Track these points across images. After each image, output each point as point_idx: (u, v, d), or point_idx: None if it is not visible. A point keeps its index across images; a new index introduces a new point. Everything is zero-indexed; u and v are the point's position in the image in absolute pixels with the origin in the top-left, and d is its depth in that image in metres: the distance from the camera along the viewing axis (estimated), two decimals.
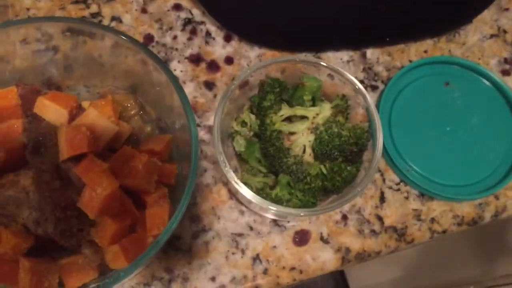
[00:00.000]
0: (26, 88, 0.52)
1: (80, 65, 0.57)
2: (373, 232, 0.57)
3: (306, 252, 0.55)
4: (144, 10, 0.64)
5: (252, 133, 0.54)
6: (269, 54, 0.64)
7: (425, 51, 0.66)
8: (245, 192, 0.48)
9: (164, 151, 0.53)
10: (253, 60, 0.63)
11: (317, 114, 0.52)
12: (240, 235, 0.56)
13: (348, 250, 0.56)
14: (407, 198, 0.59)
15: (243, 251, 0.55)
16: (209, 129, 0.60)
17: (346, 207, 0.57)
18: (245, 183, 0.49)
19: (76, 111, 0.51)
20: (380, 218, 0.58)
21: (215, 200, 0.57)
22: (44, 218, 0.44)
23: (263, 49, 0.64)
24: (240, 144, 0.53)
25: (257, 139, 0.54)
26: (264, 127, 0.51)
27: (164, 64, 0.50)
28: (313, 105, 0.55)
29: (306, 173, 0.50)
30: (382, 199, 0.58)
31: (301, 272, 0.55)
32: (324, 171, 0.51)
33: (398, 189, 0.59)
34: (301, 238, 0.56)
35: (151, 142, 0.53)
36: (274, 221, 0.56)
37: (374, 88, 0.63)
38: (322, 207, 0.50)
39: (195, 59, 0.62)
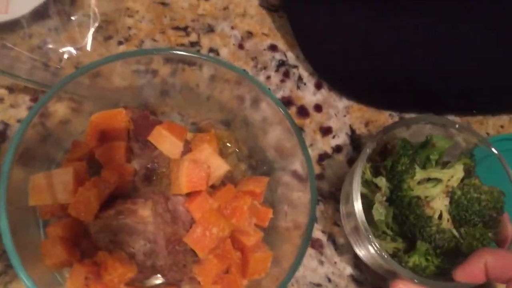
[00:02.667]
0: (136, 112, 0.52)
1: (176, 92, 0.57)
2: None
3: None
4: (241, 46, 0.65)
5: (384, 198, 0.52)
6: (356, 107, 0.65)
7: (502, 126, 0.68)
8: (382, 257, 0.47)
9: (262, 193, 0.53)
10: (341, 111, 0.64)
11: (452, 177, 0.51)
12: (318, 285, 0.56)
13: None
14: None
15: None
16: (293, 173, 0.60)
17: None
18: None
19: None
20: None
21: (291, 245, 0.57)
22: (157, 251, 0.44)
23: (351, 101, 0.65)
24: (380, 212, 0.51)
25: (388, 204, 0.52)
26: (401, 193, 0.50)
27: (282, 105, 0.50)
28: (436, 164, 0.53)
29: (448, 240, 0.49)
30: None
31: None
32: (457, 235, 0.49)
33: None
34: None
35: (251, 183, 0.53)
36: (352, 276, 0.57)
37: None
38: None
39: (286, 102, 0.63)
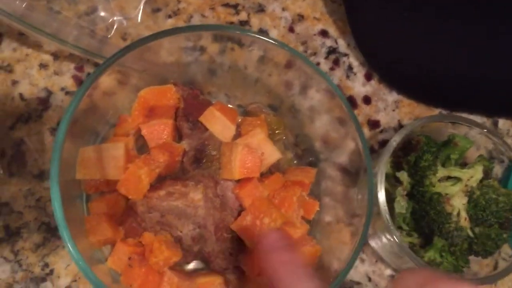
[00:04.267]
0: (186, 91, 0.50)
1: (224, 72, 0.55)
2: None
3: None
4: (291, 29, 0.62)
5: (405, 192, 0.52)
6: (406, 102, 0.62)
7: None
8: (402, 248, 0.46)
9: (310, 185, 0.51)
10: (390, 104, 0.62)
11: (472, 177, 0.51)
12: (358, 283, 0.54)
13: None
14: None
15: None
16: (340, 165, 0.58)
17: None
18: None
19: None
20: None
21: (335, 240, 0.55)
22: (205, 237, 0.42)
23: (401, 95, 0.62)
24: (401, 205, 0.51)
25: (407, 198, 0.52)
26: (423, 188, 0.50)
27: (338, 89, 0.48)
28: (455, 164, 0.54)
29: (463, 238, 0.49)
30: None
31: None
32: (471, 234, 0.50)
33: None
34: None
35: (299, 173, 0.51)
36: (392, 276, 0.55)
37: (500, 161, 0.63)
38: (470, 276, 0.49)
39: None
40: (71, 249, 0.36)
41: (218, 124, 0.47)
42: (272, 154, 0.47)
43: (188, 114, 0.48)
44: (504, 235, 0.50)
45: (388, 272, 0.55)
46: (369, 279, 0.55)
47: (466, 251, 0.51)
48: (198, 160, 0.46)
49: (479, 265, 0.53)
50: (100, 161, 0.42)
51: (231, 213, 0.45)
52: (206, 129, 0.47)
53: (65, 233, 0.36)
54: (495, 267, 0.52)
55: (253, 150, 0.44)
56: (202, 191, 0.42)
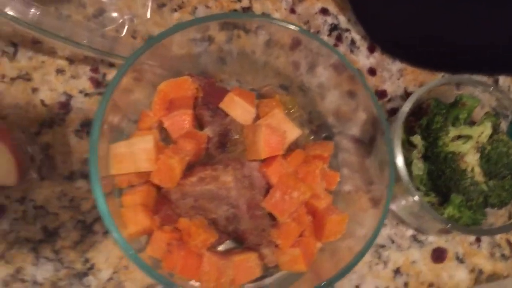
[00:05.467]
0: (202, 80, 0.52)
1: (233, 59, 0.57)
2: (503, 256, 0.59)
3: (442, 269, 0.57)
4: (292, 10, 0.64)
5: (420, 155, 0.55)
6: (410, 70, 0.64)
7: None
8: (423, 206, 0.49)
9: (329, 157, 0.53)
10: (395, 74, 0.64)
11: (482, 133, 0.54)
12: (382, 246, 0.57)
13: (480, 271, 0.58)
14: None
15: (385, 263, 0.56)
16: (353, 137, 0.60)
17: None
18: None
19: None
20: (510, 244, 0.59)
21: (357, 208, 0.57)
22: (239, 216, 0.45)
23: (404, 64, 0.64)
24: (419, 167, 0.54)
25: (423, 160, 0.54)
26: (437, 149, 0.52)
27: (347, 60, 0.50)
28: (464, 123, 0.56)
29: (479, 192, 0.52)
30: None
31: None
32: (486, 188, 0.53)
33: None
34: (438, 255, 0.57)
35: (318, 148, 0.53)
36: (413, 236, 0.58)
37: (504, 116, 0.65)
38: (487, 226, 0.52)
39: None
40: (119, 239, 0.38)
41: (238, 108, 0.49)
42: (292, 131, 0.49)
43: (208, 103, 0.50)
44: None
45: (410, 232, 0.58)
46: (392, 241, 0.57)
47: (482, 204, 0.54)
48: (223, 145, 0.48)
49: (494, 216, 0.55)
50: (132, 155, 0.44)
51: (259, 191, 0.47)
52: (226, 115, 0.49)
53: (111, 225, 0.38)
54: (510, 217, 0.55)
55: (276, 129, 0.46)
56: (232, 173, 0.44)
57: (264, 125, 0.46)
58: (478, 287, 0.59)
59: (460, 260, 0.58)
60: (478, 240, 0.59)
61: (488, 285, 0.60)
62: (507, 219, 0.55)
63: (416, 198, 0.49)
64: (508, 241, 0.60)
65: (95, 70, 0.56)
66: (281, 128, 0.48)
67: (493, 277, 0.58)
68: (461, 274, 0.57)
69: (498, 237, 0.60)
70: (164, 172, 0.44)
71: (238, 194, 0.44)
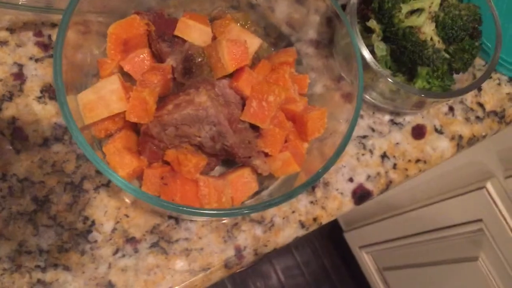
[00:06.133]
0: (150, 15, 0.50)
1: None
2: (478, 118, 0.62)
3: (425, 144, 0.59)
4: None
5: (380, 37, 0.55)
6: None
7: None
8: (397, 84, 0.51)
9: (294, 62, 0.54)
10: None
11: (432, 3, 0.54)
12: (365, 137, 0.58)
13: (460, 137, 0.60)
14: (499, 84, 0.64)
15: (371, 152, 0.58)
16: (311, 41, 0.60)
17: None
18: None
19: None
20: (481, 105, 0.62)
21: (331, 106, 0.58)
22: (223, 132, 0.45)
23: None
24: (381, 48, 0.55)
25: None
26: (394, 28, 0.53)
27: None
28: None
29: (443, 59, 0.53)
30: (479, 88, 0.63)
31: (425, 162, 0.59)
32: (448, 55, 0.54)
33: (490, 77, 0.64)
34: (418, 132, 0.60)
35: (281, 55, 0.53)
36: (391, 120, 0.60)
37: None
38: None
39: None
40: (119, 180, 0.38)
41: (194, 31, 0.48)
42: (253, 41, 0.49)
43: (162, 34, 0.49)
44: (476, 43, 0.54)
45: (387, 118, 0.60)
46: (373, 130, 0.59)
47: (448, 72, 0.55)
48: (188, 71, 0.47)
49: (460, 82, 0.57)
50: (102, 100, 0.44)
51: (236, 107, 0.48)
52: (184, 41, 0.49)
53: (107, 169, 0.38)
54: (474, 78, 0.57)
55: (237, 40, 0.46)
56: (205, 92, 0.44)
57: (225, 39, 0.46)
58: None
59: (439, 131, 0.60)
60: (451, 109, 0.61)
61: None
62: (472, 81, 0.57)
63: (388, 77, 0.50)
64: (479, 103, 0.62)
65: (38, 34, 0.54)
66: (241, 39, 0.48)
67: (473, 139, 0.61)
68: (443, 144, 0.60)
69: (469, 102, 0.62)
70: (138, 107, 0.43)
71: (216, 111, 0.44)
